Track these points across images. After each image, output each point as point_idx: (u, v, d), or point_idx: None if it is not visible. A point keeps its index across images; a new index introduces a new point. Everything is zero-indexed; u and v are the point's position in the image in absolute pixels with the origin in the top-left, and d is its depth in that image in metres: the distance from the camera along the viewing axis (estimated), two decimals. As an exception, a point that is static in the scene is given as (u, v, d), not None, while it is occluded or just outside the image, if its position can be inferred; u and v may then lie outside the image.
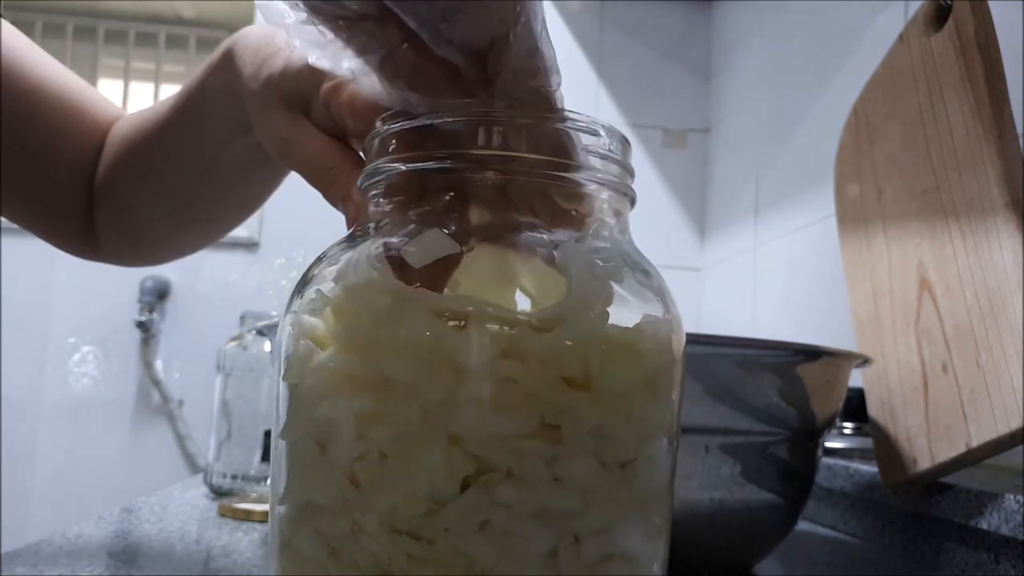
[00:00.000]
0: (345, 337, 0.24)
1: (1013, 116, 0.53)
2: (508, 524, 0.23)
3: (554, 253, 0.25)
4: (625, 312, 0.25)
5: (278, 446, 0.26)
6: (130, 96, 2.78)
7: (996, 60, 0.53)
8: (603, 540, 0.24)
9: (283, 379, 0.26)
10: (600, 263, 0.25)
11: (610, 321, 0.24)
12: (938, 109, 0.57)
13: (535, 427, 0.23)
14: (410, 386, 0.23)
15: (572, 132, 0.26)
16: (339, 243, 0.27)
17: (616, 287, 0.25)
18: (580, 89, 1.70)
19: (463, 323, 0.23)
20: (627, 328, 0.24)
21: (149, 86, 2.75)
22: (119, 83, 2.77)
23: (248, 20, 2.01)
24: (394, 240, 0.25)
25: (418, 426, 0.23)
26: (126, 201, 0.52)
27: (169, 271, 1.81)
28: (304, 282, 0.26)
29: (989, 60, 0.53)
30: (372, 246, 0.25)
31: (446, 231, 0.25)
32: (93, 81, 2.77)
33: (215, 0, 2.65)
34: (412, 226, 0.26)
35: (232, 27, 2.73)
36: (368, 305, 0.24)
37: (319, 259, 0.27)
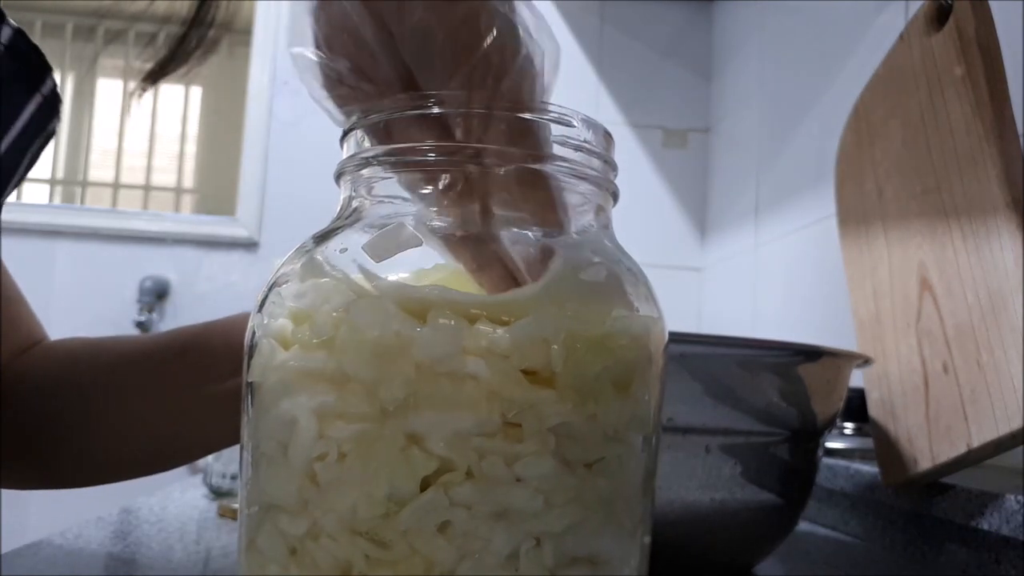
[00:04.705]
0: (306, 335, 0.24)
1: (1013, 116, 0.53)
2: (468, 525, 0.22)
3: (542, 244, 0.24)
4: (602, 309, 0.24)
5: (244, 446, 0.25)
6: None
7: (997, 60, 0.53)
8: (566, 542, 0.23)
9: (246, 378, 0.25)
10: (577, 256, 0.25)
11: (583, 317, 0.23)
12: (939, 109, 0.57)
13: (496, 425, 0.22)
14: (369, 384, 0.22)
15: (546, 124, 0.25)
16: (311, 239, 0.27)
17: (594, 284, 0.24)
18: (580, 89, 1.70)
19: (423, 318, 0.23)
20: (596, 323, 0.24)
21: (149, 86, 2.75)
22: (119, 83, 2.76)
23: (247, 20, 2.00)
24: (359, 236, 0.25)
25: (377, 425, 0.22)
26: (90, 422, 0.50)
27: (168, 271, 1.81)
28: (273, 280, 0.26)
29: (990, 60, 0.53)
30: (337, 243, 0.25)
31: (411, 224, 0.25)
32: (92, 81, 2.76)
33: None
34: (380, 220, 0.25)
35: (232, 27, 2.72)
36: (328, 301, 0.24)
37: (289, 257, 0.27)
